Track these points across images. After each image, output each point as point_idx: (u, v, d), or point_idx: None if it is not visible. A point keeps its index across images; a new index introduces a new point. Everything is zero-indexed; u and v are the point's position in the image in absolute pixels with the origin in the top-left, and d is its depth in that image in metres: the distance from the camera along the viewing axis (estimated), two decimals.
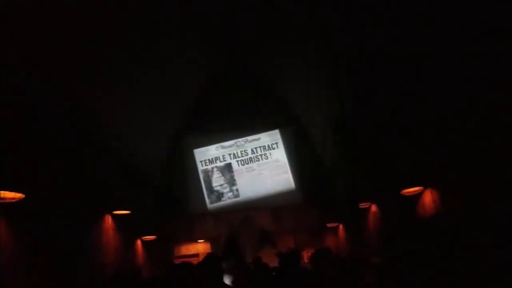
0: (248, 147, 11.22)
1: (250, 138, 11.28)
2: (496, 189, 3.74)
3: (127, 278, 5.73)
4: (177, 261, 9.24)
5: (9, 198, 4.13)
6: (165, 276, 5.06)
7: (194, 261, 8.36)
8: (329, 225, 10.14)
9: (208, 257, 3.25)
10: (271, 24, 8.24)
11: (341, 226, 10.19)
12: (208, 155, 11.15)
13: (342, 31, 6.53)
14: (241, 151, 11.20)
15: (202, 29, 8.21)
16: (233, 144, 11.24)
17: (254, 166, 11.10)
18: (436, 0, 4.33)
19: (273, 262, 5.40)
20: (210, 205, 10.86)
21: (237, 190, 10.94)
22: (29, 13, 4.34)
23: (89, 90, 6.03)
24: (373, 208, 7.65)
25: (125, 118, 7.39)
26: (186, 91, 9.99)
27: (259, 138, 11.31)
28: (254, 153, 11.19)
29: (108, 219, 7.02)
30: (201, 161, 11.11)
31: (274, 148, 11.25)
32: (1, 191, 3.99)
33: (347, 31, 6.43)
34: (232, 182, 11.01)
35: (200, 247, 10.83)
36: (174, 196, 10.59)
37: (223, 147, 11.22)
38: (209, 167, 11.08)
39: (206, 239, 10.80)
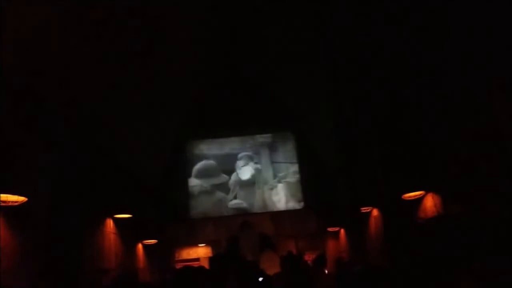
0: (249, 152, 11.23)
1: (250, 143, 11.30)
2: (497, 193, 3.74)
3: (126, 282, 5.73)
4: (178, 265, 9.22)
5: (12, 201, 4.14)
6: (170, 280, 5.05)
7: (195, 265, 8.36)
8: (330, 229, 10.11)
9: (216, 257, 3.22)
10: (269, 31, 8.28)
11: (342, 230, 10.17)
12: (209, 161, 11.15)
13: (341, 37, 6.56)
14: (241, 157, 11.21)
15: (199, 35, 8.26)
16: (233, 149, 11.25)
17: (255, 170, 11.14)
18: (434, 6, 4.36)
19: (273, 267, 5.38)
20: (209, 210, 10.85)
21: (237, 195, 10.95)
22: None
23: (91, 97, 6.06)
24: (375, 212, 7.64)
25: (127, 125, 7.45)
26: (186, 98, 10.02)
27: (260, 143, 11.32)
28: (254, 158, 11.21)
29: (110, 223, 7.03)
30: (201, 166, 11.12)
31: (275, 153, 11.29)
32: (4, 194, 4.01)
33: (346, 37, 6.45)
34: (232, 187, 11.01)
35: (201, 251, 10.81)
36: (175, 201, 10.59)
37: (223, 153, 11.24)
38: (209, 171, 11.09)
39: (207, 243, 10.78)
